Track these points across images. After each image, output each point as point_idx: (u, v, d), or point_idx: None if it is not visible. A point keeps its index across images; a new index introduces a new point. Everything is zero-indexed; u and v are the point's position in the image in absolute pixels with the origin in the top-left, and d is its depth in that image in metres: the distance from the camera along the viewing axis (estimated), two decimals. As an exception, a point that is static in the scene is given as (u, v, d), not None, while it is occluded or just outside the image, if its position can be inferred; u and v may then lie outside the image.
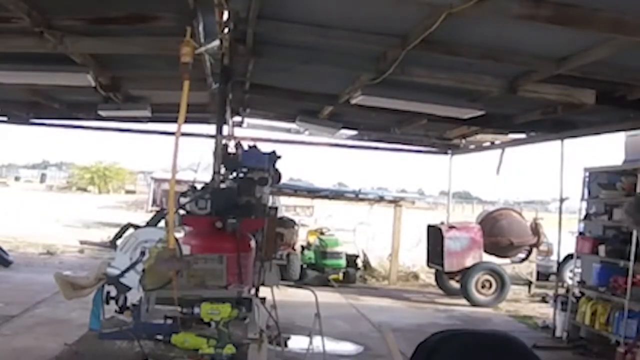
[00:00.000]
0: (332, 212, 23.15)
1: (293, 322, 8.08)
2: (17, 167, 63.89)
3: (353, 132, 12.14)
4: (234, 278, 4.10)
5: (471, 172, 25.10)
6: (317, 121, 10.27)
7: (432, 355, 1.31)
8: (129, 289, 3.26)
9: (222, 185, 5.78)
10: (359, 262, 14.49)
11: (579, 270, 9.72)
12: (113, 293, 3.24)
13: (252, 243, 5.34)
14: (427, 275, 14.56)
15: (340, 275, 13.57)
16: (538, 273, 14.18)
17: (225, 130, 7.82)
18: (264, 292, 5.53)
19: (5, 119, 11.72)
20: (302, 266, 13.15)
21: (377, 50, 5.90)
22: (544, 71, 6.00)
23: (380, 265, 15.03)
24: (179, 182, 3.54)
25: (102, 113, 9.83)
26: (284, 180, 6.84)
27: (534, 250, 13.12)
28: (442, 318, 10.69)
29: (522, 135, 10.85)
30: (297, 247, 13.61)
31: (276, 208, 7.00)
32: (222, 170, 5.86)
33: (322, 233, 14.04)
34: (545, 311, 11.20)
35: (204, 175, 6.28)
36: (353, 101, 7.50)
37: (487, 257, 12.46)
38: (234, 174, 5.97)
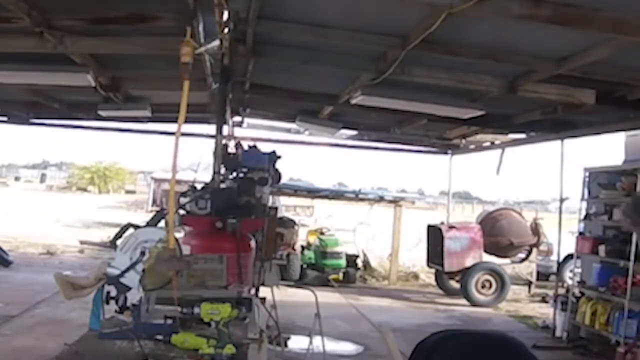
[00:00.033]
0: (332, 212, 23.16)
1: (293, 322, 8.08)
2: (17, 167, 63.90)
3: (353, 132, 12.14)
4: (234, 278, 4.10)
5: (471, 172, 25.12)
6: (317, 121, 10.27)
7: (431, 355, 1.31)
8: (129, 289, 3.26)
9: (222, 185, 5.78)
10: (359, 262, 14.49)
11: (579, 270, 9.72)
12: (113, 293, 3.24)
13: (252, 243, 5.34)
14: (427, 275, 14.56)
15: (340, 275, 13.57)
16: (538, 273, 14.17)
17: (225, 130, 7.82)
18: (264, 292, 5.53)
19: (5, 119, 11.72)
20: (302, 266, 13.15)
21: (377, 50, 5.90)
22: (544, 71, 6.01)
23: (380, 265, 15.04)
24: (179, 182, 3.54)
25: (102, 113, 9.83)
26: (284, 180, 6.83)
27: (534, 250, 13.12)
28: (442, 318, 10.69)
29: (522, 135, 10.85)
30: (297, 247, 13.61)
31: (276, 208, 7.00)
32: (222, 170, 5.85)
33: (322, 233, 14.04)
34: (545, 311, 11.20)
35: (204, 175, 6.28)
36: (353, 101, 7.50)
37: (487, 257, 12.46)
38: (234, 174, 5.97)
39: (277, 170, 6.07)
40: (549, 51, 5.52)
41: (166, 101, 9.30)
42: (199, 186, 5.53)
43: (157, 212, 4.89)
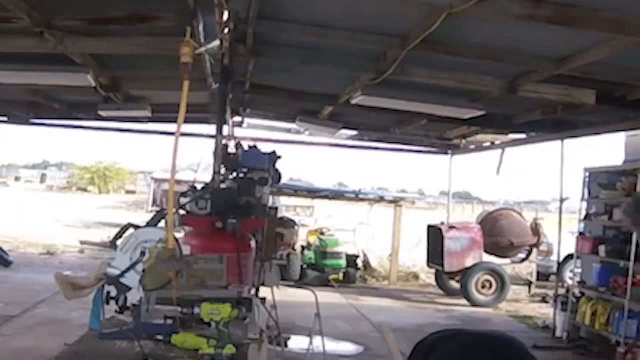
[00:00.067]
0: (332, 212, 23.16)
1: (293, 322, 8.08)
2: (17, 167, 63.88)
3: (353, 132, 12.14)
4: (234, 278, 4.10)
5: (471, 172, 25.14)
6: (317, 121, 10.27)
7: (430, 354, 1.30)
8: (129, 289, 3.25)
9: (222, 185, 5.78)
10: (359, 262, 14.49)
11: (579, 270, 9.72)
12: (113, 293, 3.24)
13: (252, 243, 5.34)
14: (427, 275, 14.56)
15: (340, 275, 13.57)
16: (538, 273, 14.16)
17: (225, 130, 7.82)
18: (264, 292, 5.53)
19: (5, 119, 11.73)
20: (302, 266, 13.15)
21: (377, 50, 5.90)
22: (544, 71, 6.00)
23: (380, 265, 15.04)
24: (179, 182, 3.55)
25: (102, 113, 9.83)
26: (284, 180, 6.84)
27: (534, 250, 13.12)
28: (442, 318, 10.69)
29: (522, 135, 10.86)
30: (297, 247, 13.61)
31: (276, 208, 7.00)
32: (222, 170, 5.86)
33: (322, 233, 14.04)
34: (545, 311, 11.20)
35: (204, 175, 6.28)
36: (353, 101, 7.50)
37: (487, 257, 12.46)
38: (234, 174, 5.97)
39: (277, 170, 6.08)
40: (549, 51, 5.52)
41: (166, 101, 9.29)
42: (199, 186, 5.54)
43: (157, 212, 4.88)
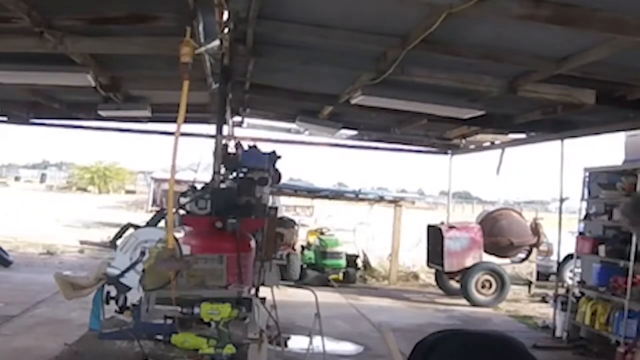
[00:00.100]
0: (332, 212, 23.15)
1: (293, 322, 8.08)
2: (17, 167, 63.89)
3: (353, 132, 12.14)
4: (234, 278, 4.10)
5: (471, 172, 25.14)
6: (317, 121, 10.27)
7: (430, 354, 1.30)
8: (129, 289, 3.26)
9: (222, 185, 5.78)
10: (359, 262, 14.49)
11: (579, 270, 9.72)
12: (113, 293, 3.24)
13: (252, 243, 5.34)
14: (427, 275, 14.56)
15: (340, 275, 13.57)
16: (538, 273, 14.17)
17: (225, 130, 7.82)
18: (264, 292, 5.53)
19: (5, 119, 11.73)
20: (302, 266, 13.15)
21: (377, 50, 5.90)
22: (544, 71, 6.00)
23: (380, 265, 15.04)
24: (179, 182, 3.54)
25: (102, 113, 9.83)
26: (284, 180, 6.83)
27: (534, 250, 13.12)
28: (442, 318, 10.69)
29: (522, 135, 10.86)
30: (297, 247, 13.61)
31: (276, 208, 7.00)
32: (222, 170, 5.85)
33: (322, 233, 14.04)
34: (545, 311, 11.20)
35: (204, 175, 6.28)
36: (353, 101, 7.49)
37: (487, 257, 12.46)
38: (234, 174, 5.97)
39: (277, 170, 6.07)
40: (549, 51, 5.51)
41: (166, 101, 9.30)
42: (199, 186, 5.53)
43: (157, 212, 4.88)
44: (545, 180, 65.91)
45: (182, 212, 5.18)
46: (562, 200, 10.32)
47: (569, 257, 10.99)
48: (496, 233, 12.51)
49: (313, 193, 15.57)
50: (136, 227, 3.75)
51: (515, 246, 12.67)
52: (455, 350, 1.28)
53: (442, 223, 12.99)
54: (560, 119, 8.60)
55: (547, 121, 8.93)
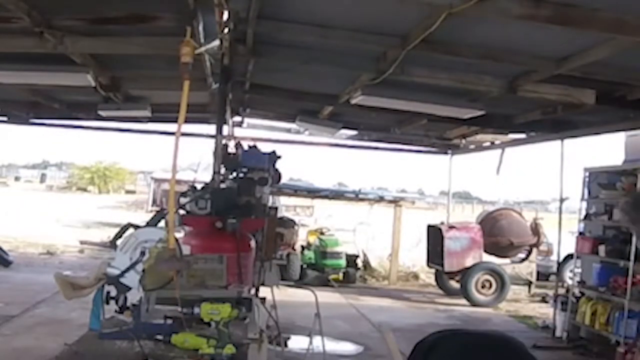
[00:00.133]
0: (332, 212, 23.15)
1: (293, 322, 8.08)
2: (17, 167, 63.87)
3: (353, 132, 12.14)
4: (234, 278, 4.10)
5: (471, 172, 25.15)
6: (317, 121, 10.27)
7: (430, 354, 1.31)
8: (129, 289, 3.26)
9: (222, 185, 5.78)
10: (359, 262, 14.49)
11: (579, 270, 9.72)
12: (113, 293, 3.24)
13: (252, 243, 5.33)
14: (427, 275, 14.56)
15: (340, 275, 13.57)
16: (538, 273, 14.17)
17: (225, 130, 7.82)
18: (264, 292, 5.53)
19: (5, 119, 11.73)
20: (302, 266, 13.15)
21: (377, 50, 5.90)
22: (544, 71, 6.00)
23: (380, 265, 15.04)
24: (179, 182, 3.54)
25: (102, 113, 9.83)
26: (284, 180, 6.83)
27: (534, 250, 13.12)
28: (442, 318, 10.69)
29: (522, 135, 10.86)
30: (297, 247, 13.61)
31: (276, 208, 7.00)
32: (222, 170, 5.86)
33: (322, 233, 14.04)
34: (545, 311, 11.20)
35: (204, 175, 6.28)
36: (353, 101, 7.49)
37: (487, 257, 12.46)
38: (234, 174, 5.97)
39: (277, 170, 6.07)
40: (549, 51, 5.51)
41: (166, 101, 9.30)
42: (199, 186, 5.53)
43: (157, 212, 4.89)
44: (545, 180, 66.03)
45: (182, 212, 5.18)
46: (562, 200, 10.32)
47: (569, 257, 10.99)
48: (496, 233, 12.51)
49: (313, 193, 15.57)
50: (136, 227, 3.75)
51: (515, 246, 12.67)
52: (455, 350, 1.28)
53: (442, 223, 12.99)
54: (560, 119, 8.60)
55: (547, 121, 8.93)
